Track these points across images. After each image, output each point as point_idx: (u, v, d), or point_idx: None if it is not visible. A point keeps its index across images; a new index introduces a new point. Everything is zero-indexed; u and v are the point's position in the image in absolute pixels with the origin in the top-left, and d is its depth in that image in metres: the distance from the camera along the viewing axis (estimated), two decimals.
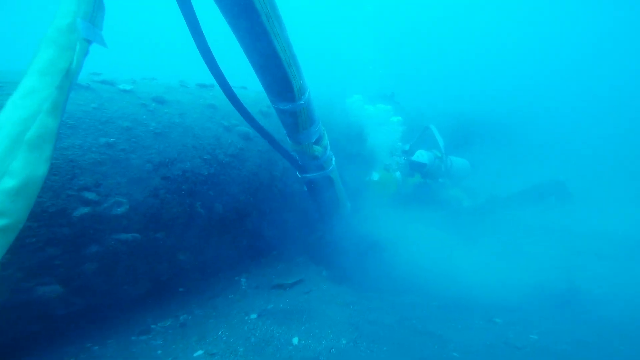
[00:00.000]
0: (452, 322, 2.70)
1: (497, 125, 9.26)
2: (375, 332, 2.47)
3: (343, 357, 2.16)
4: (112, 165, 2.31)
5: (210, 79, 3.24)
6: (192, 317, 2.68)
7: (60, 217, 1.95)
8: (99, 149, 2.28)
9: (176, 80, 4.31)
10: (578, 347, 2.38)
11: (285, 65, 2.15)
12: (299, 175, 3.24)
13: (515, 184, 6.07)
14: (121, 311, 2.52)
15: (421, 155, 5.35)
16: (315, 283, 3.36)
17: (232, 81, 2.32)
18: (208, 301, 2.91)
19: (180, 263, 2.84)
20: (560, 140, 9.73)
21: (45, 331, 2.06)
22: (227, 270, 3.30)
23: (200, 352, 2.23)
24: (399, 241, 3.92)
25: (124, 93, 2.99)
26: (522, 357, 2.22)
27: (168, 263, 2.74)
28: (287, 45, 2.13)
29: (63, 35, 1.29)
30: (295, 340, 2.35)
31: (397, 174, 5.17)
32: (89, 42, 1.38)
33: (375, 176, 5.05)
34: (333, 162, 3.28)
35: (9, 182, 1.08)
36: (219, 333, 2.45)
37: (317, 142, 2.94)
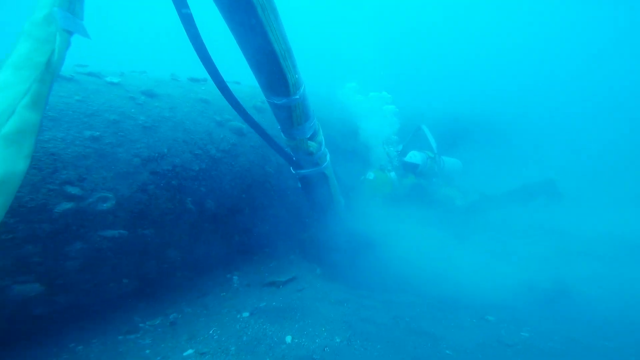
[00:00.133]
0: (445, 320, 2.71)
1: (490, 125, 9.37)
2: (369, 331, 2.45)
3: (337, 355, 2.14)
4: (97, 159, 2.22)
5: (202, 73, 3.17)
6: (182, 315, 2.61)
7: (40, 213, 1.86)
8: (83, 142, 2.19)
9: (167, 74, 4.20)
10: (568, 344, 2.42)
11: (280, 59, 2.10)
12: (293, 172, 3.20)
13: (507, 183, 6.15)
14: (107, 310, 2.44)
15: (414, 156, 5.38)
16: (309, 281, 3.33)
17: (225, 76, 2.27)
18: (198, 299, 2.85)
19: (169, 260, 2.77)
20: (551, 141, 9.91)
21: (23, 331, 1.97)
22: (218, 268, 3.23)
23: (190, 351, 2.18)
24: (392, 239, 3.92)
25: (111, 86, 2.88)
26: (513, 355, 2.23)
27: (157, 260, 2.66)
28: (283, 38, 2.08)
29: (40, 28, 1.25)
30: (288, 339, 2.31)
31: (392, 174, 5.19)
32: (70, 33, 1.34)
33: (371, 175, 5.05)
34: (328, 158, 3.25)
35: None
36: (210, 332, 2.40)
37: (312, 137, 2.89)
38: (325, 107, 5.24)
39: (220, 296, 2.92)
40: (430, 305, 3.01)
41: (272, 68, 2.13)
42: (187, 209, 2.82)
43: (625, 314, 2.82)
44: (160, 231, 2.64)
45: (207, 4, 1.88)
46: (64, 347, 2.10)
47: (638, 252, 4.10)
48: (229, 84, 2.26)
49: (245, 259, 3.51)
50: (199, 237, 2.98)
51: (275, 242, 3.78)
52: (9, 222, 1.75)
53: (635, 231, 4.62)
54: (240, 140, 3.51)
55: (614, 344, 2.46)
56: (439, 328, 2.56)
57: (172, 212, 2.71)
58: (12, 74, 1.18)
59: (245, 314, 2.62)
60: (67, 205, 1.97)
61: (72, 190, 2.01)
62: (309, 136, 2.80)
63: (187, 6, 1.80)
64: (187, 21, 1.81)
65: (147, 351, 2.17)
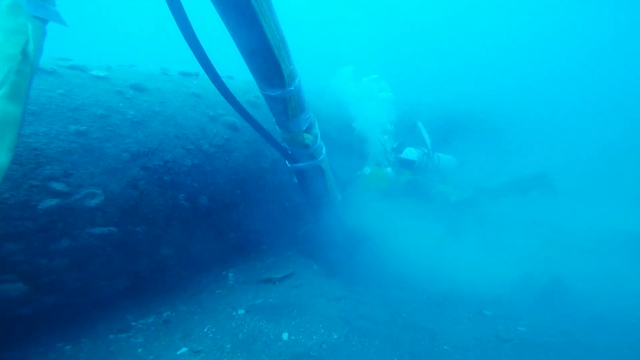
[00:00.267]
0: (442, 316, 2.70)
1: (485, 119, 9.37)
2: (366, 327, 2.43)
3: (334, 352, 2.11)
4: (83, 154, 2.13)
5: (194, 67, 3.07)
6: (175, 313, 2.56)
7: (23, 210, 1.78)
8: (67, 137, 2.09)
9: (157, 68, 4.08)
10: (563, 338, 2.42)
11: (274, 49, 2.03)
12: (289, 165, 3.13)
13: (502, 177, 6.17)
14: (98, 308, 2.38)
15: (410, 153, 5.37)
16: (306, 277, 3.30)
17: (218, 71, 2.19)
18: (193, 297, 2.79)
19: (162, 258, 2.70)
20: (547, 136, 9.96)
21: (7, 331, 1.90)
22: (213, 265, 3.18)
23: (184, 349, 2.13)
24: (389, 235, 3.90)
25: (97, 79, 2.78)
26: (511, 349, 2.23)
27: (149, 258, 2.59)
28: (277, 28, 2.01)
29: (6, 18, 1.19)
30: (285, 336, 2.28)
31: (389, 169, 5.16)
32: (44, 21, 1.27)
33: (367, 170, 5.02)
34: (323, 151, 3.19)
35: None
36: (205, 329, 2.35)
37: (308, 130, 2.83)
38: (321, 102, 5.17)
39: (215, 293, 2.87)
40: (427, 301, 3.00)
41: (266, 59, 2.07)
42: (180, 205, 2.75)
43: (619, 308, 2.84)
44: (153, 228, 2.57)
45: None
46: (51, 346, 2.04)
47: (632, 247, 4.15)
48: (222, 79, 2.19)
49: (241, 255, 3.46)
50: (193, 234, 2.91)
51: (271, 239, 3.73)
52: None
53: (629, 226, 4.67)
54: (234, 135, 3.43)
55: (609, 337, 2.48)
56: (436, 323, 2.55)
57: (165, 208, 2.63)
58: None
59: (241, 312, 2.58)
60: (51, 202, 1.88)
61: (57, 186, 1.92)
62: (304, 129, 2.74)
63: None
64: (178, 11, 1.73)
65: (140, 350, 2.12)
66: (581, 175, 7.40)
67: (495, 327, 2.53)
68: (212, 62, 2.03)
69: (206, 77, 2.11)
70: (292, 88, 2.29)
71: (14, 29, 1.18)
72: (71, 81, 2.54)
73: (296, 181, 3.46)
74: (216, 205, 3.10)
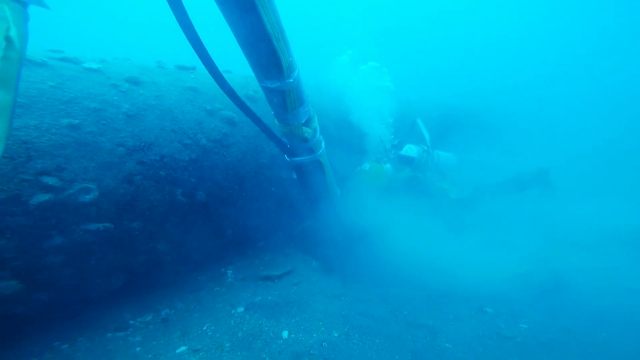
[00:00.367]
0: (443, 313, 2.68)
1: (485, 116, 9.33)
2: (367, 325, 2.40)
3: (335, 350, 2.08)
4: (77, 148, 2.06)
5: (191, 60, 2.98)
6: (174, 311, 2.52)
7: (13, 205, 1.71)
8: (59, 131, 2.02)
9: (153, 61, 3.98)
10: (565, 335, 2.41)
11: (273, 40, 1.98)
12: (288, 159, 3.08)
13: (501, 173, 6.14)
14: (95, 306, 2.33)
15: (410, 150, 5.33)
16: (305, 274, 3.26)
17: (216, 65, 2.12)
18: (191, 294, 2.75)
19: (160, 254, 2.65)
20: (546, 134, 9.95)
21: (0, 330, 1.85)
22: (211, 262, 3.13)
23: (183, 348, 2.10)
24: (388, 232, 3.87)
25: (90, 72, 2.69)
26: (513, 347, 2.21)
27: (146, 255, 2.54)
28: (276, 19, 1.95)
29: None
30: (285, 334, 2.25)
31: (388, 165, 5.12)
32: (24, 4, 1.20)
33: (366, 166, 4.97)
34: (323, 145, 3.14)
35: None
36: (204, 328, 2.32)
37: (307, 123, 2.78)
38: (320, 96, 5.09)
39: (214, 291, 2.83)
40: (427, 298, 2.98)
41: (265, 50, 2.01)
42: (177, 200, 2.69)
43: (619, 305, 2.83)
44: (149, 224, 2.51)
45: None
46: (47, 345, 1.99)
47: (630, 244, 4.15)
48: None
49: (240, 252, 3.41)
50: (190, 230, 2.86)
51: (270, 235, 3.69)
52: None
53: (628, 223, 4.67)
54: (232, 130, 3.37)
55: (609, 334, 2.46)
56: (437, 321, 2.53)
57: (161, 204, 2.58)
58: None
59: (240, 309, 2.55)
60: (44, 197, 1.82)
61: (50, 180, 1.86)
62: (303, 122, 2.69)
63: None
64: (176, 3, 1.66)
65: (138, 349, 2.08)
66: (580, 173, 7.40)
67: (497, 324, 2.51)
68: (211, 55, 1.97)
69: (203, 71, 2.05)
70: (291, 80, 2.23)
71: None
72: (63, 73, 2.45)
73: (295, 176, 3.41)
74: (214, 201, 3.04)
